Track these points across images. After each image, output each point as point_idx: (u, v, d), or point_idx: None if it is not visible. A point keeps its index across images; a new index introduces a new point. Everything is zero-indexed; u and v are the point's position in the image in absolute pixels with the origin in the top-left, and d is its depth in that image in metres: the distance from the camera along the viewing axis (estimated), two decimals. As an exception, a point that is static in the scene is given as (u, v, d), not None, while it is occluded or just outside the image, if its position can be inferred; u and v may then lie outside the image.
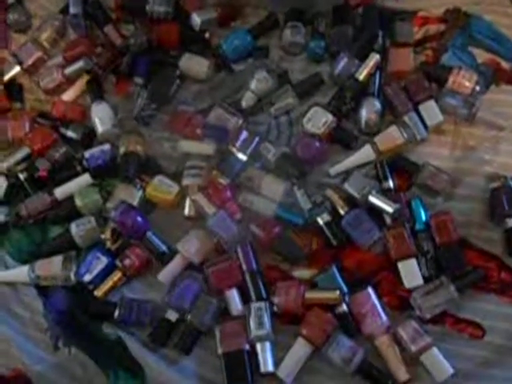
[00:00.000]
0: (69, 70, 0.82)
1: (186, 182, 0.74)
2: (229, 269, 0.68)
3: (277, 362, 0.63)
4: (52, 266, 0.70)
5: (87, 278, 0.69)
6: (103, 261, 0.70)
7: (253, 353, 0.64)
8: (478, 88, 0.72)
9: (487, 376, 0.60)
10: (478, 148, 0.71)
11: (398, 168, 0.71)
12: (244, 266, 0.68)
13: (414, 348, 0.61)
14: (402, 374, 0.61)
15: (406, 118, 0.72)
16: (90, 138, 0.79)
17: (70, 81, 0.83)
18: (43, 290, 0.70)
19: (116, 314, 0.67)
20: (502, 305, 0.63)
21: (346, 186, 0.70)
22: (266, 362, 0.63)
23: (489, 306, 0.63)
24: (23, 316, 0.69)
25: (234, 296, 0.67)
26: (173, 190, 0.73)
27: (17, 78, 0.84)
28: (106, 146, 0.77)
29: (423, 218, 0.68)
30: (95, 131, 0.79)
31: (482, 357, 0.61)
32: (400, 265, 0.66)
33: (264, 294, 0.67)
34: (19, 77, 0.84)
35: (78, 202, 0.74)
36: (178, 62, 0.81)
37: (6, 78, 0.84)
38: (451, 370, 0.60)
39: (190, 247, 0.69)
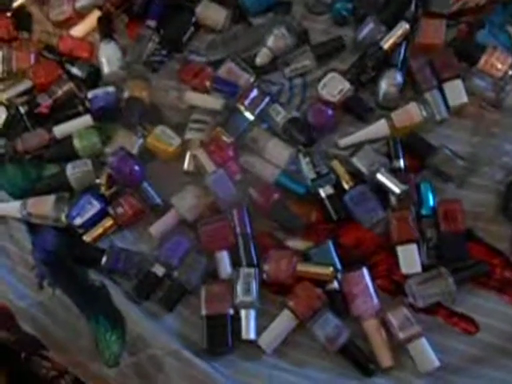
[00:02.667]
0: (80, 4, 0.78)
1: (188, 135, 0.71)
2: (222, 230, 0.66)
3: (258, 331, 0.62)
4: (44, 205, 0.68)
5: (78, 221, 0.68)
6: (95, 206, 0.68)
7: (236, 318, 0.62)
8: (511, 72, 0.67)
9: (474, 373, 0.58)
10: (500, 136, 0.67)
11: (412, 148, 0.67)
12: (238, 229, 0.66)
13: (402, 335, 0.59)
14: (386, 359, 0.59)
15: (427, 95, 0.68)
16: (94, 77, 0.76)
17: (80, 15, 0.79)
18: (33, 228, 0.69)
19: (103, 260, 0.65)
20: (501, 304, 0.60)
21: (355, 159, 0.66)
22: (249, 330, 0.61)
23: (487, 303, 0.60)
24: (12, 251, 0.68)
25: (224, 258, 0.65)
26: (174, 142, 0.71)
27: (26, 6, 0.81)
28: (111, 89, 0.74)
29: (431, 203, 0.64)
30: (101, 71, 0.76)
31: (470, 353, 0.59)
32: (399, 249, 0.63)
33: (255, 260, 0.65)
34: (29, 5, 0.81)
35: (77, 143, 0.71)
36: (195, 9, 0.77)
37: (15, 4, 0.80)
38: (437, 363, 0.58)
39: (185, 203, 0.67)
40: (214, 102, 0.71)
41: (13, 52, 0.77)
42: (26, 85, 0.75)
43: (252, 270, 0.64)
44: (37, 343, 0.67)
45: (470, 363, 0.59)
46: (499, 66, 0.67)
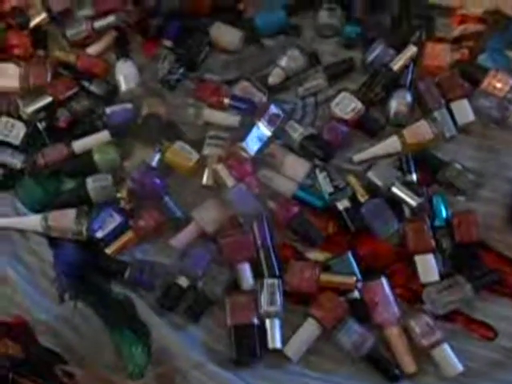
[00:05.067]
0: (98, 24, 0.80)
1: (206, 151, 0.73)
2: (243, 242, 0.67)
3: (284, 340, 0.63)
4: (65, 219, 0.68)
5: (99, 234, 0.68)
6: (116, 219, 0.69)
7: (261, 328, 0.63)
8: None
9: (495, 377, 0.60)
10: (504, 152, 0.71)
11: (423, 162, 0.71)
12: (258, 241, 0.67)
13: (424, 342, 0.61)
14: (409, 365, 0.61)
15: (436, 114, 0.72)
16: (112, 95, 0.78)
17: (97, 35, 0.81)
18: (54, 241, 0.69)
19: (127, 273, 0.66)
20: (515, 310, 0.64)
21: (370, 174, 0.69)
22: (275, 339, 0.62)
23: (502, 310, 0.63)
24: (32, 264, 0.68)
25: (245, 270, 0.66)
26: (192, 158, 0.72)
27: (43, 25, 0.82)
28: (129, 105, 0.76)
29: (443, 214, 0.68)
30: (118, 89, 0.77)
31: (490, 358, 0.61)
32: (417, 258, 0.65)
33: (277, 271, 0.66)
34: (45, 24, 0.82)
35: (96, 157, 0.72)
36: (209, 30, 0.80)
37: (32, 24, 0.81)
38: (461, 368, 0.60)
39: (206, 216, 0.69)
40: (231, 118, 0.74)
41: (29, 69, 0.78)
42: (45, 100, 0.75)
43: (276, 281, 0.65)
44: (51, 359, 0.66)
45: (491, 368, 0.61)
46: (501, 87, 0.71)
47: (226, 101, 0.74)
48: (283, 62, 0.77)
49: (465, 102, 0.72)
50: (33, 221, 0.69)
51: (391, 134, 0.72)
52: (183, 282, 0.66)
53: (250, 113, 0.73)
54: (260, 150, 0.72)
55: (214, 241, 0.68)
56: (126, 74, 0.77)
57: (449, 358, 0.61)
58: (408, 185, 0.68)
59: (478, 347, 0.62)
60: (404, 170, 0.70)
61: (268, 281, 0.65)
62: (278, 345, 0.62)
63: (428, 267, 0.65)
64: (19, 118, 0.75)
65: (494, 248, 0.67)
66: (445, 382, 0.61)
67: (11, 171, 0.73)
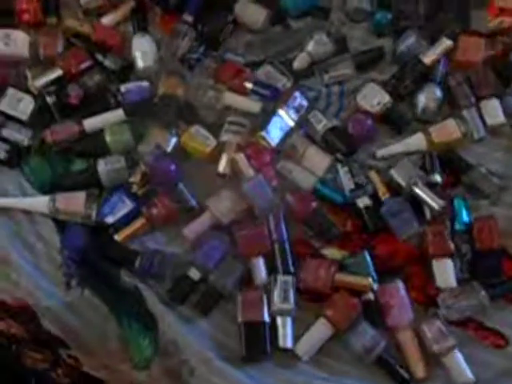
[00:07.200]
0: (115, -8, 0.75)
1: (224, 137, 0.69)
2: (258, 236, 0.65)
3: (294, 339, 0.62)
4: (74, 202, 0.65)
5: (110, 219, 0.66)
6: (128, 205, 0.66)
7: (272, 325, 0.62)
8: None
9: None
10: (532, 157, 0.69)
11: (448, 163, 0.69)
12: (274, 236, 0.65)
13: (436, 348, 0.60)
14: (420, 370, 0.61)
15: (465, 113, 0.69)
16: (127, 71, 0.74)
17: (112, 4, 0.76)
18: (61, 225, 0.66)
19: (137, 262, 0.64)
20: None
21: (393, 172, 0.67)
22: (286, 338, 0.61)
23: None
24: (38, 248, 0.65)
25: (259, 265, 0.64)
26: (210, 143, 0.69)
27: (55, -10, 0.77)
28: (145, 83, 0.72)
29: (464, 218, 0.66)
30: (134, 65, 0.73)
31: (501, 366, 0.61)
32: (435, 263, 0.64)
33: (291, 268, 0.64)
34: (58, -11, 0.77)
35: (108, 137, 0.69)
36: (234, 6, 0.75)
37: (44, -12, 0.76)
38: (472, 377, 0.60)
39: (221, 206, 0.66)
40: (253, 104, 0.70)
41: (40, 38, 0.73)
42: (55, 73, 0.71)
43: (290, 278, 0.63)
44: (56, 342, 0.65)
45: (501, 376, 0.61)
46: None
47: (249, 85, 0.70)
48: (310, 46, 0.73)
49: (496, 102, 0.69)
50: (40, 202, 0.66)
51: (417, 130, 0.70)
52: (194, 274, 0.64)
53: (273, 100, 0.70)
54: (281, 141, 0.69)
55: (227, 232, 0.66)
56: (142, 51, 0.73)
57: (460, 365, 0.60)
58: (431, 186, 0.66)
59: (488, 355, 0.62)
60: (428, 169, 0.68)
61: (282, 278, 0.63)
62: (289, 344, 0.61)
63: (445, 272, 0.64)
64: (27, 91, 0.71)
65: (513, 256, 0.65)
66: (455, 389, 0.60)
67: (18, 148, 0.69)
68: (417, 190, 0.66)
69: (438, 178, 0.67)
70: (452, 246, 0.64)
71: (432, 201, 0.65)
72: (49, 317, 0.63)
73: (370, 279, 0.62)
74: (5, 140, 0.69)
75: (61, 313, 0.63)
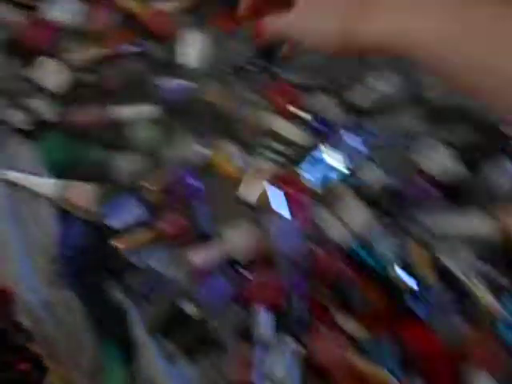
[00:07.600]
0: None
1: (260, 163, 0.61)
2: (273, 285, 0.56)
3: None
4: (83, 194, 0.58)
5: (115, 223, 0.58)
6: (138, 211, 0.59)
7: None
8: None
9: None
10: None
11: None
12: (288, 289, 0.56)
13: None
14: None
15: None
16: (173, 65, 0.66)
17: (175, -10, 0.69)
18: (64, 218, 0.59)
19: (134, 280, 0.56)
20: None
21: (443, 256, 0.57)
22: (274, 413, 0.52)
23: None
24: (33, 235, 0.58)
25: (264, 317, 0.56)
26: (240, 165, 0.61)
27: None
28: (187, 83, 0.65)
29: (514, 323, 0.56)
30: (179, 60, 0.66)
31: None
32: (475, 375, 0.53)
33: (301, 331, 0.55)
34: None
35: (134, 131, 0.62)
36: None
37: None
38: None
39: (237, 241, 0.58)
40: (299, 135, 0.62)
41: (92, 10, 0.67)
42: (98, 51, 0.65)
43: (296, 345, 0.54)
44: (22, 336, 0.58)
45: None
46: None
47: (303, 114, 0.62)
48: (379, 83, 0.65)
49: None
50: (49, 185, 0.59)
51: (486, 211, 0.60)
52: (190, 309, 0.56)
53: (323, 135, 0.62)
54: (323, 184, 0.60)
55: (236, 270, 0.57)
56: (193, 47, 0.66)
57: None
58: (490, 282, 0.56)
59: None
60: (486, 261, 0.57)
61: (287, 341, 0.54)
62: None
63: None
64: (65, 63, 0.64)
65: None
66: None
67: (43, 122, 0.62)
68: (474, 290, 0.56)
69: (504, 281, 0.57)
70: (497, 359, 0.54)
71: (493, 307, 0.55)
72: (26, 311, 0.56)
73: (388, 377, 0.53)
74: (30, 111, 0.63)
75: (40, 310, 0.56)
